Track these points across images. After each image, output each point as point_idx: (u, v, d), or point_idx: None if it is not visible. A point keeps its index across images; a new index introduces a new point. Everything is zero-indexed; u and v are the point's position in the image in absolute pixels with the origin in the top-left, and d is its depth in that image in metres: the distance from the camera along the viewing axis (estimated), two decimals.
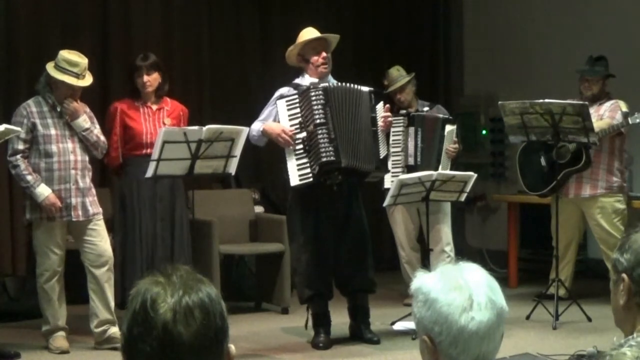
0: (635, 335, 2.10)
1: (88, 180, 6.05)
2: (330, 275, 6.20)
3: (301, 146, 5.93)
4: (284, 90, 6.16)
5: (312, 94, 5.94)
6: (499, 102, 6.91)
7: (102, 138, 6.13)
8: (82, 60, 5.93)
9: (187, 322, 1.67)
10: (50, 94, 5.96)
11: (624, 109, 6.95)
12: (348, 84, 6.07)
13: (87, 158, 6.06)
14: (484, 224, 9.43)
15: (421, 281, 2.02)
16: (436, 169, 6.56)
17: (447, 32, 9.80)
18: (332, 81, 6.17)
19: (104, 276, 5.99)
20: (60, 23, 7.58)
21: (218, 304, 1.72)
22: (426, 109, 7.18)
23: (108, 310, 6.00)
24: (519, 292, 7.67)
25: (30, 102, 5.98)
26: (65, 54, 5.92)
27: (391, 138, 6.47)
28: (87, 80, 5.97)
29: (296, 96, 6.00)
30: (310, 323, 6.23)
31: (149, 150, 6.12)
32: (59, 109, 5.96)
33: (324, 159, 5.87)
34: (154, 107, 6.47)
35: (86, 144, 6.04)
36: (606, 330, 5.92)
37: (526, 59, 8.99)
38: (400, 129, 6.75)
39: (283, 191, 8.17)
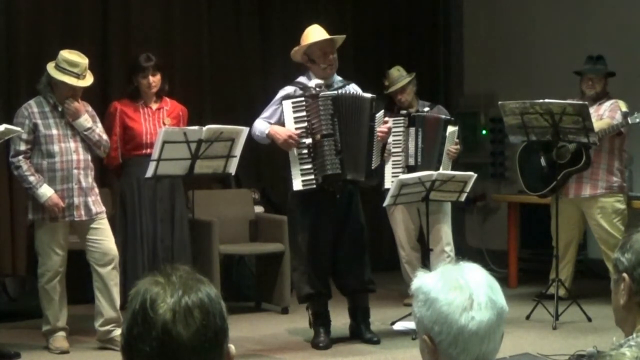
0: (635, 335, 2.10)
1: (91, 179, 6.05)
2: (329, 275, 6.20)
3: (306, 151, 5.92)
4: (289, 89, 6.13)
5: (321, 102, 5.92)
6: (499, 102, 6.91)
7: (105, 137, 6.12)
8: (83, 61, 5.93)
9: (187, 322, 1.67)
10: (51, 94, 5.96)
11: (624, 108, 6.95)
12: (352, 92, 6.05)
13: (89, 157, 6.06)
14: (484, 224, 9.43)
15: (421, 281, 2.02)
16: (437, 169, 6.55)
17: (447, 32, 9.80)
18: (337, 79, 6.17)
19: (110, 275, 5.98)
20: (60, 23, 7.58)
21: (218, 304, 1.72)
22: (427, 109, 7.18)
23: (114, 309, 5.98)
24: (519, 292, 7.67)
25: (31, 102, 5.98)
26: (65, 54, 5.92)
27: (391, 138, 6.47)
28: (88, 80, 5.97)
29: (303, 99, 5.96)
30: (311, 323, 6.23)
31: (149, 150, 6.12)
32: (60, 109, 5.96)
33: (329, 172, 5.89)
34: (154, 107, 6.47)
35: (88, 144, 6.04)
36: (606, 330, 5.93)
37: (526, 59, 8.98)
38: (401, 129, 6.75)
39: (283, 191, 8.19)
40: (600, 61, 7.14)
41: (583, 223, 7.38)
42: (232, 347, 1.76)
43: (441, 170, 6.57)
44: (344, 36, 6.25)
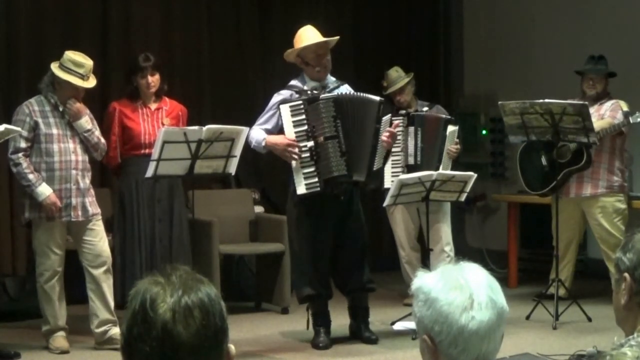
0: (635, 335, 2.10)
1: (88, 180, 6.05)
2: (329, 275, 6.19)
3: (308, 155, 5.90)
4: (285, 93, 6.10)
5: (323, 104, 5.90)
6: (499, 102, 6.91)
7: (103, 140, 6.13)
8: (88, 62, 5.93)
9: (187, 322, 1.67)
10: (53, 93, 5.97)
11: (625, 108, 6.96)
12: (357, 93, 6.04)
13: (87, 158, 6.07)
14: (484, 224, 9.43)
15: (422, 281, 2.02)
16: (437, 169, 6.55)
17: (447, 32, 9.80)
18: (330, 79, 6.15)
19: (103, 276, 5.99)
20: (60, 23, 7.57)
21: (217, 304, 1.72)
22: (425, 109, 7.18)
23: (108, 310, 6.00)
24: (519, 292, 7.66)
25: (32, 100, 5.98)
26: (71, 54, 5.92)
27: None
28: (91, 82, 5.97)
29: (301, 102, 5.93)
30: (311, 323, 6.23)
31: (148, 150, 6.12)
32: (61, 109, 5.96)
33: (336, 174, 5.89)
34: (153, 107, 6.47)
35: (87, 145, 6.04)
36: (606, 330, 5.93)
37: (526, 59, 8.98)
38: (400, 128, 6.74)
39: (283, 191, 8.19)
40: (602, 61, 7.14)
41: (583, 223, 7.38)
42: (232, 347, 1.76)
43: (441, 170, 6.58)
44: (337, 37, 6.22)
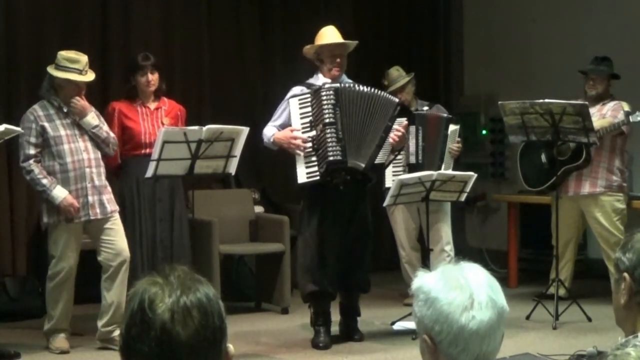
0: (638, 334, 2.10)
1: (103, 177, 6.06)
2: (335, 274, 6.18)
3: (310, 144, 5.98)
4: (296, 89, 6.21)
5: (324, 93, 5.99)
6: (499, 102, 6.92)
7: (112, 134, 6.13)
8: (82, 57, 5.95)
9: (185, 322, 1.66)
10: (55, 96, 5.97)
11: (626, 108, 6.96)
12: (368, 88, 6.09)
13: (99, 155, 6.06)
14: (484, 224, 9.43)
15: (422, 280, 2.01)
16: (439, 168, 6.57)
17: (447, 32, 9.80)
18: (346, 81, 6.23)
19: (121, 275, 5.97)
20: (60, 24, 7.57)
21: (216, 303, 1.72)
22: (425, 108, 7.19)
23: (120, 310, 5.95)
24: (519, 292, 7.66)
25: (35, 106, 5.98)
26: (64, 53, 5.95)
27: None
28: (90, 75, 5.99)
29: (308, 95, 6.05)
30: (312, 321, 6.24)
31: (148, 150, 6.12)
32: (65, 110, 5.96)
33: (331, 158, 5.92)
34: (152, 106, 6.47)
35: (96, 141, 6.03)
36: (606, 330, 5.93)
37: (526, 59, 8.98)
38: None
39: (283, 191, 8.19)
40: (605, 62, 7.14)
41: (582, 222, 7.38)
42: (231, 347, 1.75)
43: (443, 169, 6.59)
44: (356, 42, 6.31)
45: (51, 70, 5.94)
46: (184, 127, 6.07)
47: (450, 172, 6.56)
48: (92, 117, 6.01)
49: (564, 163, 6.99)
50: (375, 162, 6.06)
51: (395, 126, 6.08)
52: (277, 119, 6.17)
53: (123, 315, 5.87)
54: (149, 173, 5.84)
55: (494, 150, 9.30)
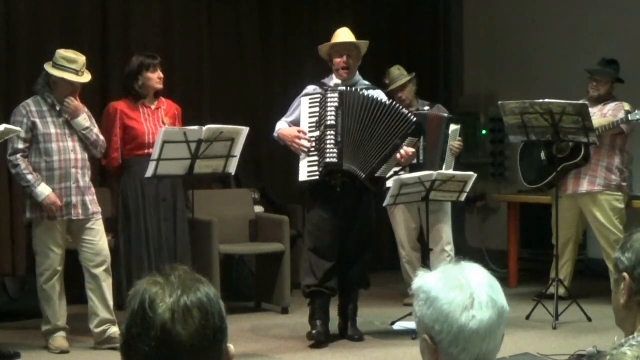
0: (636, 334, 2.09)
1: (88, 179, 6.06)
2: (336, 273, 6.18)
3: (313, 144, 6.03)
4: (310, 88, 6.27)
5: (329, 95, 6.05)
6: (499, 102, 6.92)
7: (102, 137, 6.14)
8: (80, 58, 5.94)
9: (186, 322, 1.67)
10: (49, 93, 5.97)
11: (627, 108, 6.97)
12: (378, 97, 6.10)
13: (87, 157, 6.07)
14: (484, 224, 9.43)
15: (422, 280, 2.02)
16: (440, 168, 6.57)
17: (447, 32, 9.80)
18: (362, 82, 6.28)
19: (102, 275, 5.99)
20: (60, 23, 7.57)
21: (217, 303, 1.72)
22: (427, 108, 7.20)
23: (107, 309, 5.99)
24: (519, 292, 7.66)
25: (29, 101, 5.99)
26: (62, 52, 5.94)
27: None
28: (86, 77, 5.98)
29: (319, 95, 6.11)
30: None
31: (150, 150, 6.11)
32: (58, 108, 5.97)
33: (328, 160, 5.97)
34: (152, 106, 6.47)
35: (86, 143, 6.04)
36: (606, 330, 5.92)
37: (526, 59, 8.98)
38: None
39: (283, 191, 8.19)
40: (612, 66, 7.15)
41: (582, 222, 7.38)
42: (231, 347, 1.76)
43: (444, 169, 6.59)
44: (364, 42, 6.34)
45: (48, 67, 5.94)
46: (184, 127, 6.06)
47: (450, 172, 6.56)
48: (84, 119, 6.01)
49: (563, 160, 6.99)
50: (377, 175, 6.06)
51: (406, 147, 6.05)
52: (290, 115, 6.25)
53: (112, 313, 5.90)
54: (149, 173, 5.83)
55: (494, 150, 9.30)
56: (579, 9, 8.63)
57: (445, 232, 7.14)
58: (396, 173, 6.21)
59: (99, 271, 5.98)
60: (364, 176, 6.00)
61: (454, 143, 7.00)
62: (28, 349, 6.02)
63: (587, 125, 6.56)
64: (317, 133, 6.03)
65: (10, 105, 7.11)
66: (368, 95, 6.10)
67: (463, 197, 6.44)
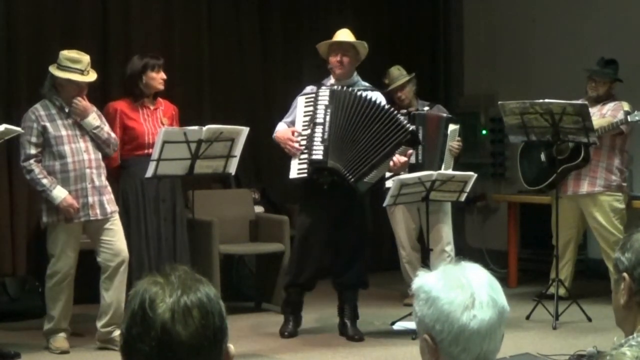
0: (635, 335, 2.09)
1: (104, 178, 6.06)
2: (316, 268, 6.22)
3: (304, 143, 6.04)
4: (308, 88, 6.30)
5: (321, 94, 6.09)
6: (499, 102, 6.92)
7: (113, 135, 6.13)
8: (84, 57, 5.95)
9: (186, 322, 1.67)
10: (56, 96, 5.97)
11: (626, 108, 6.97)
12: (374, 99, 6.07)
13: (100, 156, 6.06)
14: (484, 224, 9.43)
15: (423, 280, 2.02)
16: (439, 168, 6.58)
17: (447, 32, 9.80)
18: (360, 83, 6.30)
19: (120, 276, 5.97)
20: (60, 24, 7.57)
21: (217, 303, 1.72)
22: (426, 108, 7.20)
23: (118, 311, 5.95)
24: (519, 292, 7.66)
25: (37, 106, 5.98)
26: (66, 53, 5.95)
27: None
28: (92, 76, 5.99)
29: (313, 95, 6.14)
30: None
31: (150, 150, 6.11)
32: (67, 110, 5.96)
33: (313, 157, 6.00)
34: (151, 106, 6.47)
35: (97, 142, 6.03)
36: (606, 330, 5.93)
37: (526, 59, 8.98)
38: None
39: (283, 191, 8.19)
40: (610, 66, 7.15)
41: (582, 222, 7.38)
42: (231, 347, 1.76)
43: (443, 169, 6.59)
44: (361, 42, 6.35)
45: (53, 69, 5.94)
46: (184, 127, 6.06)
47: (450, 172, 6.56)
48: (94, 118, 6.01)
49: (563, 162, 6.99)
50: (366, 180, 6.04)
51: (398, 155, 6.05)
52: (289, 115, 6.29)
53: (122, 315, 5.89)
54: (149, 173, 5.84)
55: (494, 150, 9.30)
56: (579, 9, 8.63)
57: (445, 232, 7.14)
58: (384, 178, 6.21)
59: (116, 271, 5.97)
60: (352, 179, 6.00)
61: (453, 143, 7.00)
62: (28, 349, 6.02)
63: (587, 125, 6.56)
64: (308, 131, 6.05)
65: (11, 105, 7.13)
66: (361, 95, 6.07)
67: (463, 197, 6.44)
